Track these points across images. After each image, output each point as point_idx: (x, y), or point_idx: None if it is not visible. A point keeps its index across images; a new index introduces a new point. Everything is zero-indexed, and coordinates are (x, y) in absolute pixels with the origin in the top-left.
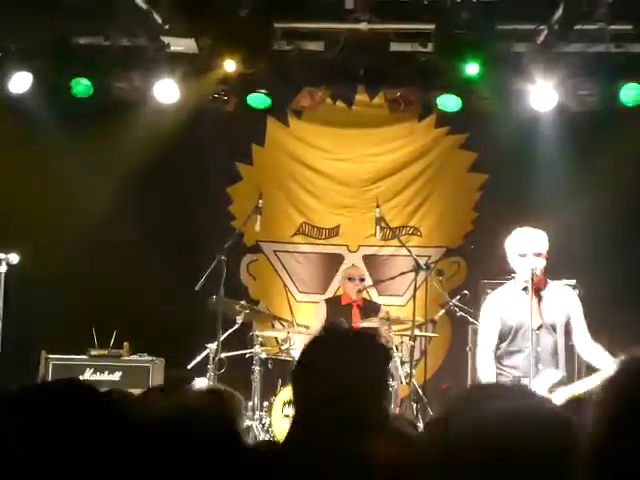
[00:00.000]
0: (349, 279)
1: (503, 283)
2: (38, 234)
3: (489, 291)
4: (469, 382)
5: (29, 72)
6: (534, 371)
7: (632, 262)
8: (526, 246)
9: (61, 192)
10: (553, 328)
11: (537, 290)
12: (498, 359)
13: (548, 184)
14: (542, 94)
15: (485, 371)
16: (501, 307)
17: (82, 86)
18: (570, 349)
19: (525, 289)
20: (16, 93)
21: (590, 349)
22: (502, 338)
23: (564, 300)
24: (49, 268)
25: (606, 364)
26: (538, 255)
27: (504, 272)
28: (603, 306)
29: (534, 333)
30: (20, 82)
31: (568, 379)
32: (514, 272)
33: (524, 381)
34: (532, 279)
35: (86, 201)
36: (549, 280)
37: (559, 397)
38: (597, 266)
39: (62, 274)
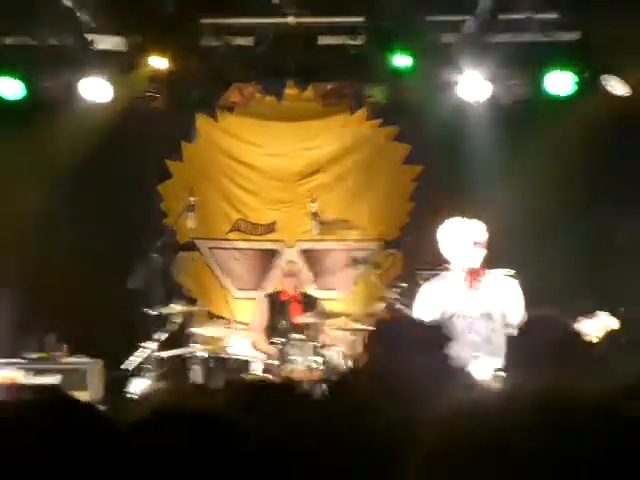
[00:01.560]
0: (287, 275)
1: (436, 273)
2: None
3: (421, 282)
4: None
5: None
6: (471, 359)
7: (563, 253)
8: (464, 236)
9: None
10: (489, 317)
11: (474, 279)
12: None
13: (482, 174)
14: (471, 85)
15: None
16: (438, 297)
17: (10, 86)
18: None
19: (461, 278)
20: None
21: None
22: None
23: (502, 289)
24: None
25: None
26: (477, 244)
27: (437, 262)
28: (543, 294)
29: (468, 321)
30: None
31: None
32: (447, 262)
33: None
34: (470, 269)
35: (19, 201)
36: (487, 270)
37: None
38: (531, 255)
39: None
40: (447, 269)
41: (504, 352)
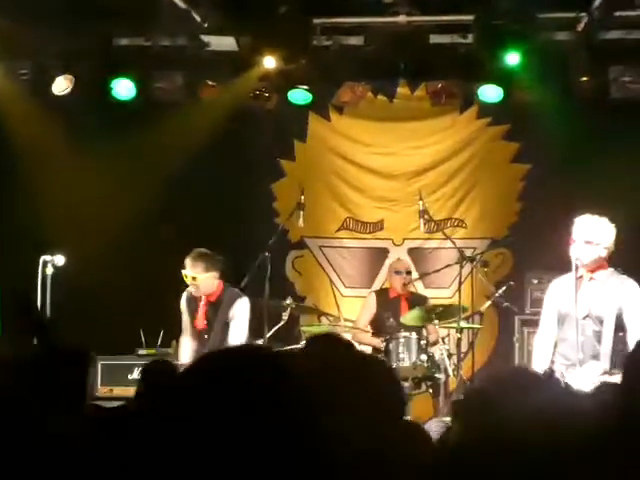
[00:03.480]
0: (396, 272)
1: (549, 274)
2: (83, 235)
3: (534, 281)
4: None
5: (71, 74)
6: (578, 360)
7: None
8: (578, 232)
9: (106, 193)
10: (600, 319)
11: (589, 279)
12: (556, 346)
13: (592, 173)
14: (583, 82)
15: (537, 358)
16: (557, 295)
17: (124, 87)
18: (621, 341)
19: (579, 277)
20: (59, 95)
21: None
22: (558, 325)
23: (620, 292)
24: (95, 269)
25: None
26: (588, 243)
27: (549, 262)
28: None
29: (579, 322)
30: (63, 84)
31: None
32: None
33: (570, 370)
34: (576, 267)
35: (131, 201)
36: (611, 270)
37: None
38: None
39: (108, 275)
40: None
41: (610, 355)
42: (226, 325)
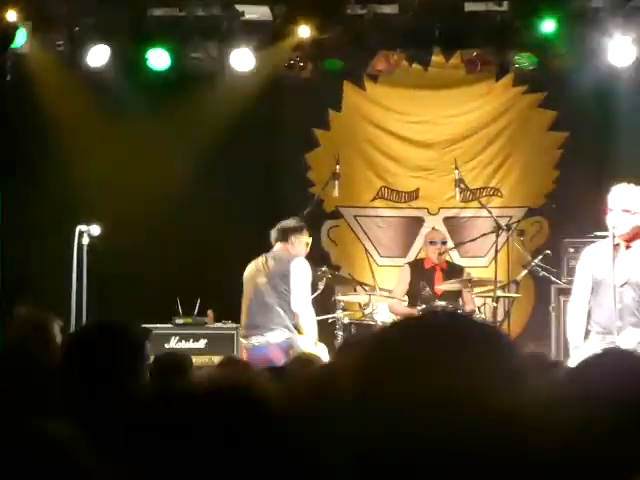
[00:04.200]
0: (431, 242)
1: (585, 242)
2: (118, 205)
3: (571, 250)
4: (553, 342)
5: (106, 45)
6: (615, 328)
7: None
8: (615, 201)
9: (141, 163)
10: (637, 286)
11: (627, 247)
12: (589, 314)
13: (629, 140)
14: (620, 49)
15: (572, 325)
16: (591, 261)
17: (159, 58)
18: None
19: (616, 245)
20: (94, 67)
21: None
22: (592, 292)
23: None
24: (131, 238)
25: None
26: (626, 211)
27: (587, 230)
28: None
29: (617, 290)
30: (98, 55)
31: None
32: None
33: (608, 337)
34: (613, 235)
35: (166, 171)
36: None
37: None
38: None
39: (144, 244)
40: (598, 237)
41: None
42: (284, 276)
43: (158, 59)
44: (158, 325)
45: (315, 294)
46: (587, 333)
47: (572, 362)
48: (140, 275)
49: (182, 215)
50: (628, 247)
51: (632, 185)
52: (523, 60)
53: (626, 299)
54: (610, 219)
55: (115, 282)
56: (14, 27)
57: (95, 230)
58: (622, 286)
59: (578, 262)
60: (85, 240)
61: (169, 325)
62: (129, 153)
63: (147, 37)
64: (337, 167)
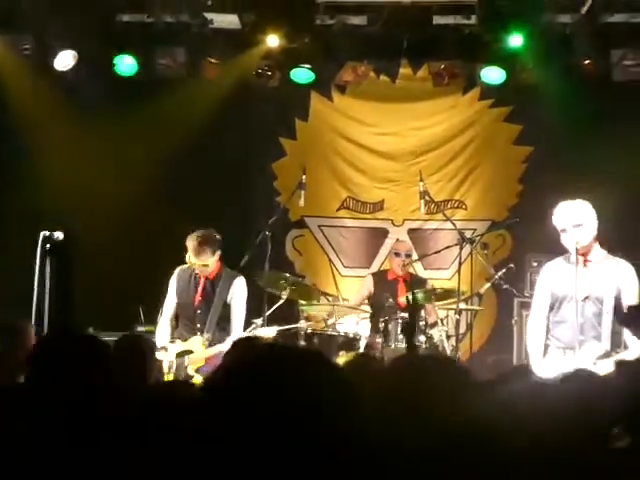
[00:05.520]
0: (396, 254)
1: (549, 257)
2: (83, 211)
3: (534, 264)
4: (515, 354)
5: (74, 50)
6: (577, 342)
7: None
8: (564, 220)
9: (107, 169)
10: (600, 300)
11: (585, 261)
12: (548, 330)
13: (595, 155)
14: (586, 65)
15: (531, 341)
16: (551, 277)
17: (126, 63)
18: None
19: (572, 261)
20: (61, 71)
21: None
22: (551, 308)
23: (617, 274)
24: (95, 245)
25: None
26: (577, 226)
27: (550, 245)
28: None
29: (578, 304)
30: (65, 60)
31: (616, 352)
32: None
33: (568, 353)
34: (577, 251)
35: (131, 177)
36: (605, 252)
37: (603, 369)
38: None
39: (108, 251)
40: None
41: (610, 336)
42: (225, 304)
43: (126, 64)
44: (119, 333)
45: (279, 304)
46: (546, 348)
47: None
48: (104, 282)
49: (148, 222)
50: (586, 261)
51: (570, 201)
52: (489, 74)
53: (587, 313)
54: (566, 238)
55: (77, 289)
56: None
57: (59, 236)
58: (583, 300)
59: (538, 278)
60: (49, 246)
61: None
62: (96, 158)
63: (115, 42)
64: (303, 177)
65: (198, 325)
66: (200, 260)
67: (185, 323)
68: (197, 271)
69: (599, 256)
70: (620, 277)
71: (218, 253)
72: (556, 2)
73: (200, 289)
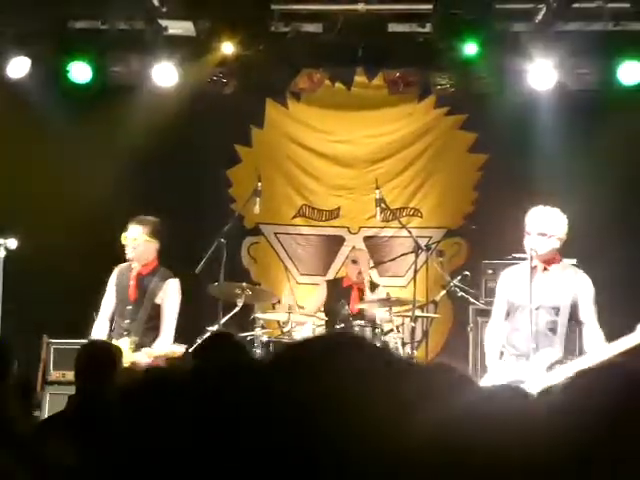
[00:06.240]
0: (353, 262)
1: (504, 264)
2: (37, 218)
3: (489, 271)
4: (471, 362)
5: (27, 57)
6: (531, 350)
7: (633, 245)
8: (532, 224)
9: (60, 176)
10: (555, 309)
11: (543, 270)
12: (505, 336)
13: (548, 163)
14: (541, 73)
15: (489, 348)
16: (508, 285)
17: (80, 70)
18: (574, 330)
19: (534, 267)
20: (14, 78)
21: (590, 336)
22: (507, 315)
23: (574, 282)
24: (48, 252)
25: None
26: (541, 235)
27: (504, 252)
28: (602, 289)
29: (532, 312)
30: (18, 67)
31: (570, 359)
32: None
33: (521, 360)
34: (531, 257)
35: (85, 185)
36: (564, 263)
37: (556, 376)
38: (596, 247)
39: (62, 258)
40: (516, 259)
41: (564, 344)
42: (155, 304)
43: (79, 72)
44: (72, 340)
45: (234, 311)
46: (501, 354)
47: (486, 382)
48: (58, 289)
49: (102, 230)
50: (545, 269)
51: (548, 208)
52: (444, 81)
53: (541, 321)
54: (527, 242)
55: (32, 296)
56: None
57: (12, 243)
58: (537, 309)
59: (497, 286)
60: (2, 253)
61: (85, 341)
62: (49, 166)
63: (68, 49)
64: (259, 184)
65: (127, 321)
66: (132, 231)
67: (118, 323)
68: (129, 256)
69: (559, 266)
70: (577, 287)
71: (155, 244)
72: (510, 10)
73: (133, 283)
